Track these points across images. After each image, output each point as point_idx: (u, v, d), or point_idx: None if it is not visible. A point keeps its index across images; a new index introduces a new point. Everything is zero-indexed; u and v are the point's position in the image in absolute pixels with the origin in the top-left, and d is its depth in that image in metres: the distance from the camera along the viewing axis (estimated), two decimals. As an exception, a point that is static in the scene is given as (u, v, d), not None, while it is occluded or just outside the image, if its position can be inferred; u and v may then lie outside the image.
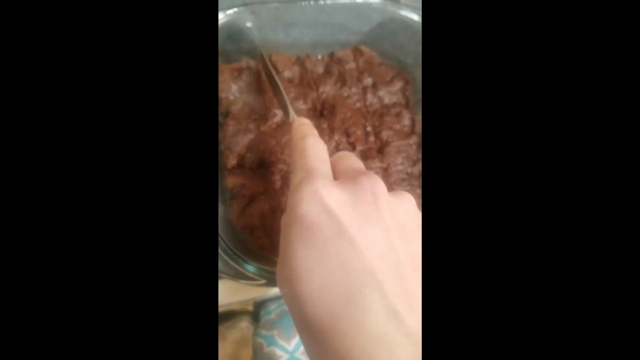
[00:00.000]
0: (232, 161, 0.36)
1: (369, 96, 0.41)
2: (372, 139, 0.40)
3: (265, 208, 0.35)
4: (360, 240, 0.20)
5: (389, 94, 0.42)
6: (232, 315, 0.45)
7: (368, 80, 0.42)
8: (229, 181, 0.36)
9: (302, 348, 0.44)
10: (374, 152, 0.39)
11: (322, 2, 0.39)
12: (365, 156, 0.39)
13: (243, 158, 0.36)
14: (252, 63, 0.39)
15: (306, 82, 0.41)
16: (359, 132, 0.40)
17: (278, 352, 0.43)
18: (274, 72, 0.36)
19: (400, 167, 0.39)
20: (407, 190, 0.39)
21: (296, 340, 0.44)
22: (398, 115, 0.41)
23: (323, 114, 0.40)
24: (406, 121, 0.41)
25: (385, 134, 0.40)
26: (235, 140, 0.37)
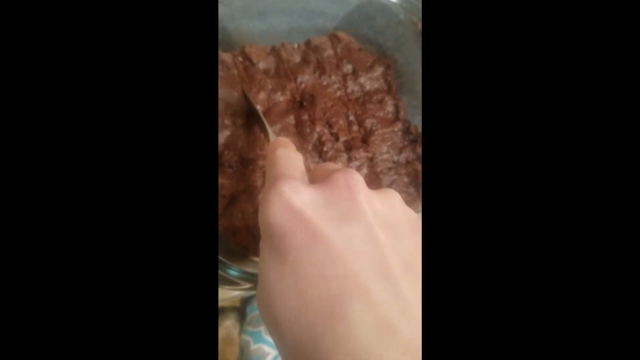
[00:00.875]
0: (209, 160, 0.35)
1: (350, 84, 0.40)
2: (355, 128, 0.39)
3: (247, 207, 0.34)
4: (338, 242, 0.17)
5: (370, 80, 0.41)
6: (219, 313, 0.45)
7: (348, 67, 0.41)
8: (208, 181, 0.34)
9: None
10: (359, 142, 0.38)
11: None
12: (349, 146, 0.38)
13: (221, 156, 0.35)
14: (226, 56, 0.37)
15: (283, 73, 0.39)
16: (342, 122, 0.38)
17: (265, 348, 0.42)
18: (248, 96, 0.35)
19: (386, 156, 0.38)
20: (394, 179, 0.38)
21: (284, 335, 0.43)
22: (381, 102, 0.40)
23: (303, 105, 0.38)
24: (389, 107, 0.40)
25: (369, 122, 0.39)
26: (212, 138, 0.35)
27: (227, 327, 0.43)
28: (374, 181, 0.37)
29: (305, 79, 0.39)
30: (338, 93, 0.40)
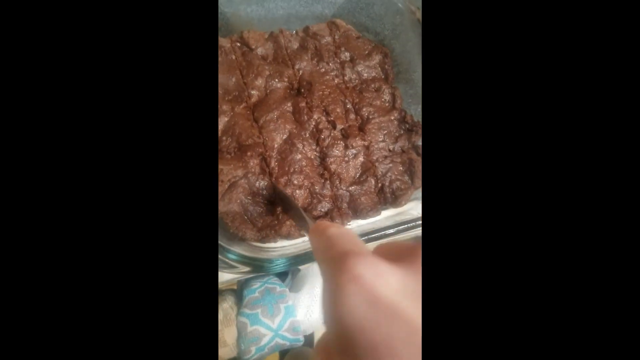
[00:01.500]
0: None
1: (347, 71, 0.40)
2: (352, 116, 0.39)
3: (245, 193, 0.34)
4: None
5: (368, 69, 0.41)
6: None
7: (345, 55, 0.41)
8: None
9: (286, 325, 0.44)
10: (356, 130, 0.38)
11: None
12: (346, 134, 0.38)
13: (219, 142, 0.35)
14: (224, 42, 0.37)
15: (281, 59, 0.39)
16: (339, 110, 0.39)
17: (262, 330, 0.43)
18: (276, 184, 0.34)
19: (382, 144, 0.39)
20: (389, 168, 0.38)
21: (280, 317, 0.44)
22: (378, 90, 0.40)
23: (300, 92, 0.39)
24: (386, 96, 0.41)
25: (365, 111, 0.39)
26: (210, 124, 0.36)
27: (225, 309, 0.44)
28: (369, 169, 0.38)
29: (303, 65, 0.39)
30: (336, 80, 0.40)
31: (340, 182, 0.37)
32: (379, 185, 0.38)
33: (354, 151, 0.38)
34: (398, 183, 0.38)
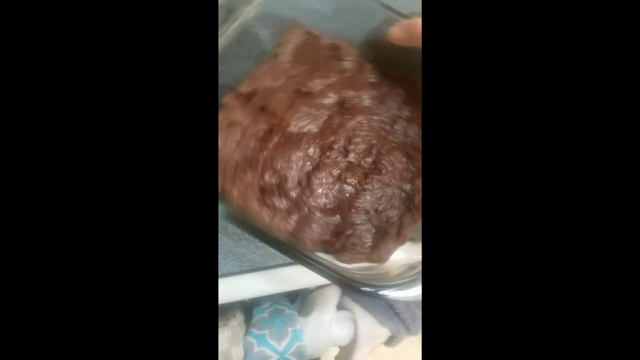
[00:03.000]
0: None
1: (398, 126, 0.40)
2: (369, 160, 0.39)
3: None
4: None
5: (417, 137, 0.40)
6: (225, 311, 0.45)
7: (406, 113, 0.40)
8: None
9: (292, 349, 0.44)
10: (360, 173, 0.38)
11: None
12: (349, 169, 0.38)
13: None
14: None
15: (355, 77, 0.39)
16: (361, 147, 0.39)
17: (268, 351, 0.44)
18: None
19: (372, 201, 0.38)
20: (362, 222, 0.37)
21: (287, 340, 0.44)
22: (409, 158, 0.39)
23: (343, 107, 0.39)
24: (412, 169, 0.39)
25: (383, 165, 0.38)
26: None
27: (233, 327, 0.44)
28: (343, 210, 0.37)
29: (362, 94, 0.40)
30: (379, 124, 0.39)
31: (308, 198, 0.36)
32: (339, 228, 0.36)
33: (346, 187, 0.37)
34: (356, 240, 0.36)
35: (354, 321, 0.49)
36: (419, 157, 0.39)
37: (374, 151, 0.39)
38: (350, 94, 0.40)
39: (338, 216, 0.36)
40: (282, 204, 0.35)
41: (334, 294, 0.49)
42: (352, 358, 0.50)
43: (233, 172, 0.34)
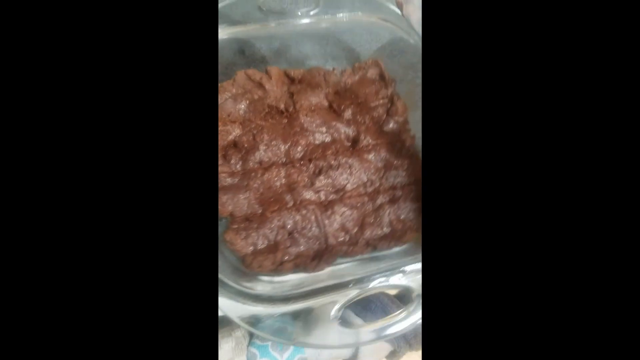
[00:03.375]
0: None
1: (386, 180, 0.44)
2: (331, 176, 0.43)
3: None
4: None
5: (394, 188, 0.44)
6: (229, 322, 0.46)
7: (395, 178, 0.45)
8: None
9: (294, 361, 0.45)
10: (334, 196, 0.43)
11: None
12: (316, 170, 0.43)
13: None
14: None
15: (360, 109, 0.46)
16: (342, 174, 0.43)
17: (270, 363, 0.44)
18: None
19: (341, 221, 0.42)
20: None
21: (289, 352, 0.45)
22: (393, 202, 0.43)
23: (356, 145, 0.44)
24: (386, 219, 0.42)
25: (344, 186, 0.43)
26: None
27: (237, 337, 0.45)
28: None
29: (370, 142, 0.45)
30: (365, 182, 0.44)
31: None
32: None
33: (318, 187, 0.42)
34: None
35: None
36: (394, 212, 0.43)
37: (366, 180, 0.44)
38: (365, 118, 0.46)
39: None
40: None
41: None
42: (353, 372, 0.50)
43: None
